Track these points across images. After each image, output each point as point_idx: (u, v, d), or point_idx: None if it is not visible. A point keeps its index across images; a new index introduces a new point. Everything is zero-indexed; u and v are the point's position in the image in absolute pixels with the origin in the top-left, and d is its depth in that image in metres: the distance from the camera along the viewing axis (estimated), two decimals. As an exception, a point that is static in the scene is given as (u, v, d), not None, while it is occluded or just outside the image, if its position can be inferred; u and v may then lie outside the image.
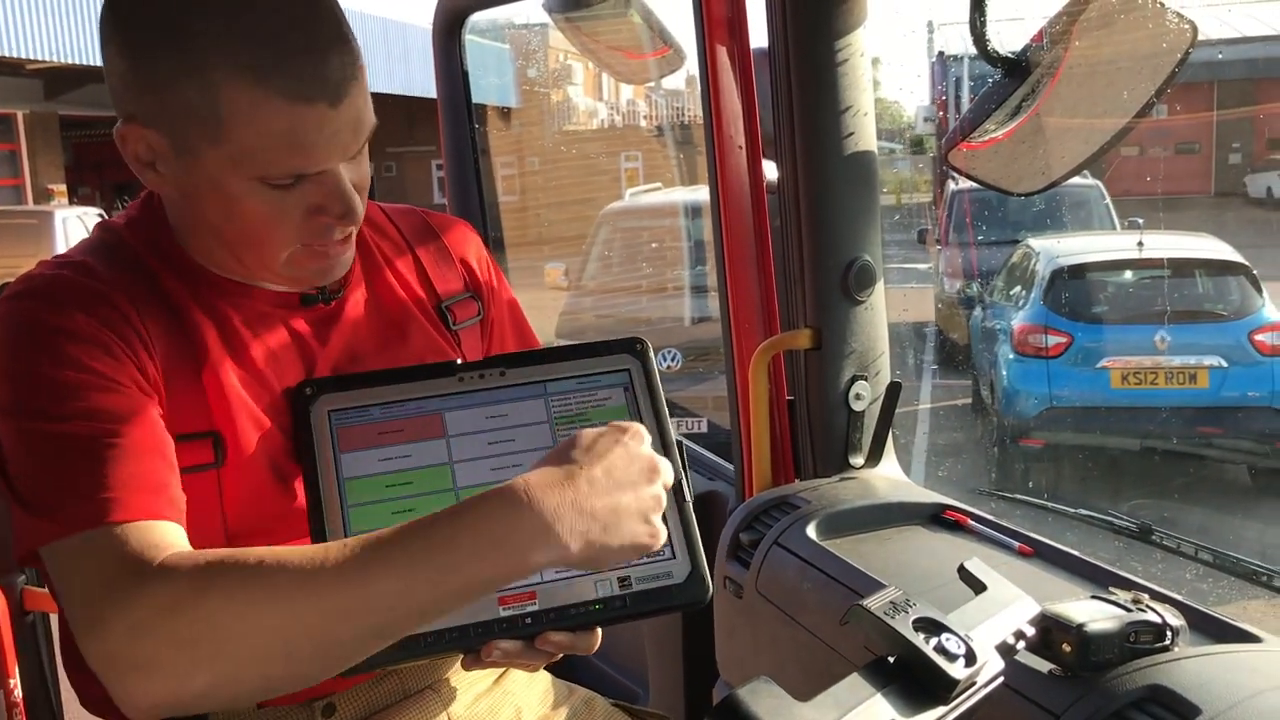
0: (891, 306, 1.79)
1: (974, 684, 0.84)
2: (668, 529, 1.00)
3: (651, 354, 1.18)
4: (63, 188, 18.82)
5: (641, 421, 1.12)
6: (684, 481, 1.11)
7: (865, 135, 1.70)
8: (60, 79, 16.67)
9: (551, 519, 0.91)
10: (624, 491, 0.95)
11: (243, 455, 1.13)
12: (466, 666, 1.06)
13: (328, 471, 1.08)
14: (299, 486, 1.14)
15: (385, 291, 1.28)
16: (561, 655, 1.06)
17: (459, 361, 1.18)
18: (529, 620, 1.04)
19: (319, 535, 1.05)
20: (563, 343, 1.41)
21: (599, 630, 1.07)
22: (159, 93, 1.05)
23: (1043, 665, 1.10)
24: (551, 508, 0.91)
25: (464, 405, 1.13)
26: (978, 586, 0.94)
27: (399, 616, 0.91)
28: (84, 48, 14.46)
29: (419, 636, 1.00)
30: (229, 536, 1.13)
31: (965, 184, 10.42)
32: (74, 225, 13.45)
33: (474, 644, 1.03)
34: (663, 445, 1.12)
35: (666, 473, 0.99)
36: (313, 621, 0.90)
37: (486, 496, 0.92)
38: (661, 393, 1.16)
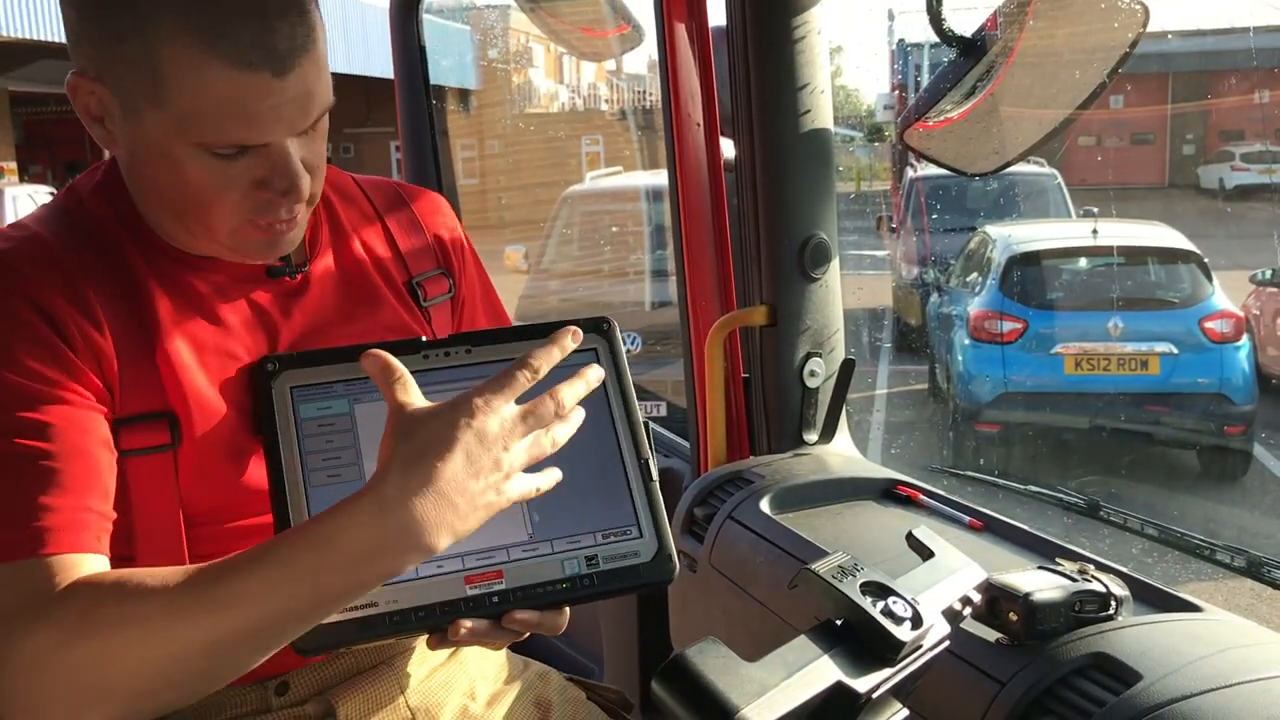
0: (850, 292, 1.81)
1: (920, 647, 0.85)
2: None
3: (619, 333, 1.17)
4: (13, 165, 18.48)
5: (609, 401, 1.13)
6: (651, 461, 1.11)
7: (821, 113, 1.70)
8: (10, 54, 16.33)
9: (417, 523, 0.90)
10: (480, 476, 0.93)
11: (199, 435, 1.11)
12: (432, 646, 1.05)
13: (290, 448, 1.06)
14: (258, 466, 1.12)
15: (352, 265, 1.26)
16: (528, 635, 1.06)
17: (424, 339, 1.16)
18: (496, 599, 1.03)
19: (281, 512, 1.04)
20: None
21: (567, 610, 1.07)
22: (104, 47, 1.02)
23: (990, 634, 1.12)
24: (415, 513, 0.90)
25: (429, 382, 1.11)
26: (925, 553, 0.96)
27: (274, 633, 0.93)
28: (35, 22, 14.16)
29: (383, 616, 1.00)
30: (187, 520, 1.11)
31: (923, 171, 10.50)
32: (25, 204, 13.22)
33: (440, 623, 1.02)
34: (629, 424, 1.12)
35: (534, 420, 0.96)
36: (196, 650, 0.91)
37: (346, 509, 0.91)
38: (628, 372, 1.15)
